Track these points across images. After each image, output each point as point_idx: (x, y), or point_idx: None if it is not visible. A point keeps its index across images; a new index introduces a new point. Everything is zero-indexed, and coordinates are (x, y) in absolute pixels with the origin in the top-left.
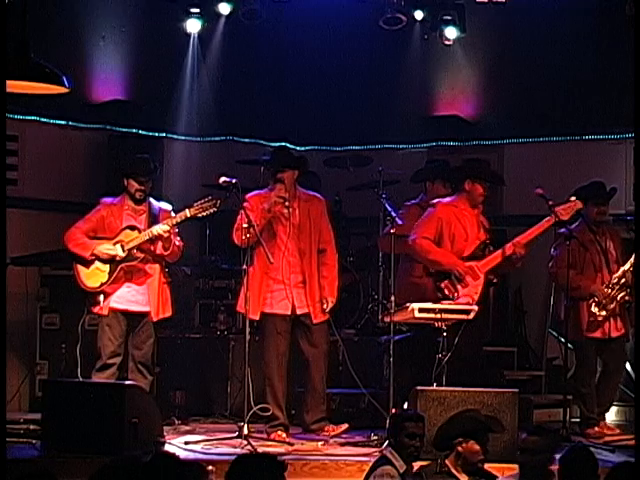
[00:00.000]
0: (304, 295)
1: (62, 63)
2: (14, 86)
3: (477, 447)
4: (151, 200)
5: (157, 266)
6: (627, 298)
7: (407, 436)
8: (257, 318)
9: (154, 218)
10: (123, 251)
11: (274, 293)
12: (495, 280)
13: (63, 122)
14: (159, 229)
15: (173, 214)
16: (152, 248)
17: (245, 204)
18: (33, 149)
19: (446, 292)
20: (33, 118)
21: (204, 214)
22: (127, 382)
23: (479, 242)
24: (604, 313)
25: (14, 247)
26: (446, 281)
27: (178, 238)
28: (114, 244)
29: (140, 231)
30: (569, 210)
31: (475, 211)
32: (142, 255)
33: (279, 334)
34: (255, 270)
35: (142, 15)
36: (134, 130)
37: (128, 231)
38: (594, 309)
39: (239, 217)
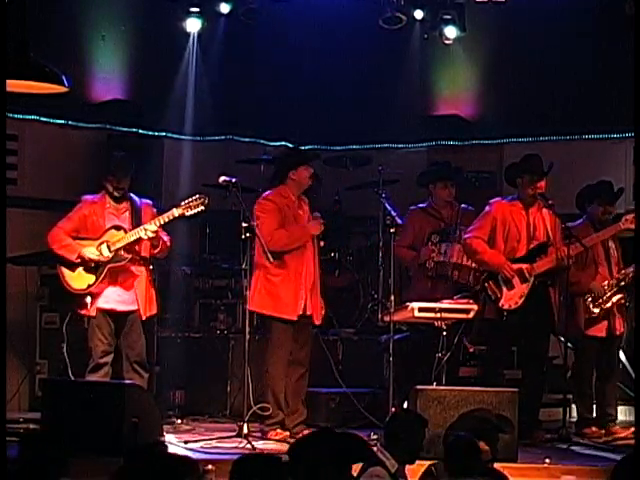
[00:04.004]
0: (313, 297)
1: (62, 63)
2: (14, 86)
3: (486, 447)
4: (132, 196)
5: (143, 265)
6: (622, 301)
7: (420, 441)
8: (295, 319)
9: (137, 215)
10: (109, 252)
11: (300, 292)
12: (549, 282)
13: (63, 122)
14: (147, 230)
15: (155, 209)
16: (137, 248)
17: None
18: (33, 149)
19: (489, 292)
20: (33, 118)
21: (192, 212)
22: (127, 382)
23: (537, 243)
24: (597, 310)
25: (14, 247)
26: (491, 282)
27: (164, 233)
28: (99, 245)
29: (126, 231)
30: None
31: (534, 211)
32: (129, 256)
33: (289, 334)
34: (289, 272)
35: (142, 14)
36: (134, 130)
37: (113, 231)
38: (589, 304)
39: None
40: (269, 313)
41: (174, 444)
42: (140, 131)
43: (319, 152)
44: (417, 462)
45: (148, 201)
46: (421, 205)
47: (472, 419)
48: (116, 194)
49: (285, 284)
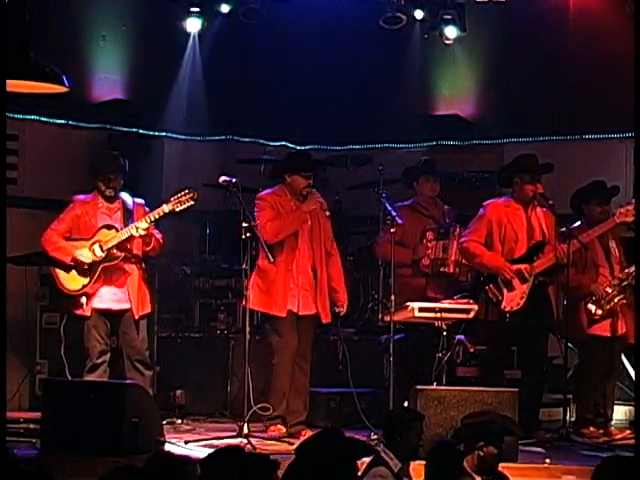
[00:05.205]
0: (311, 297)
1: (62, 63)
2: (14, 86)
3: (496, 451)
4: (124, 196)
5: (135, 263)
6: (624, 301)
7: (417, 435)
8: (284, 315)
9: (129, 214)
10: (102, 251)
11: (291, 291)
12: (548, 282)
13: (63, 122)
14: (139, 228)
15: (147, 208)
16: (129, 246)
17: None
18: (33, 149)
19: (490, 295)
20: (33, 118)
21: (182, 208)
22: (127, 381)
23: (533, 243)
24: (600, 312)
25: (14, 246)
26: (491, 284)
27: (156, 231)
28: (92, 245)
29: (117, 230)
30: (631, 212)
31: (530, 210)
32: (122, 254)
33: (292, 330)
34: (278, 269)
35: (142, 14)
36: (134, 130)
37: (105, 230)
38: (591, 306)
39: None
40: (261, 310)
41: (174, 444)
42: (140, 131)
43: (324, 163)
44: (420, 462)
45: (140, 200)
46: (406, 203)
47: (479, 425)
48: (108, 193)
49: (273, 281)
